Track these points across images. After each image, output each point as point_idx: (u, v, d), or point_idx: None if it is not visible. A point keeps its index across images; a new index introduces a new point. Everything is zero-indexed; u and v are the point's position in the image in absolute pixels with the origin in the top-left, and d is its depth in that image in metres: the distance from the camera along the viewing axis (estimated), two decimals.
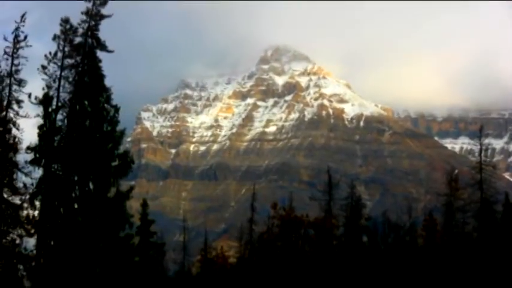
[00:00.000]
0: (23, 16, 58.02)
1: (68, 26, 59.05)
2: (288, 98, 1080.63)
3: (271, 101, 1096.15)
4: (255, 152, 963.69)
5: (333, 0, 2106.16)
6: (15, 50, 58.08)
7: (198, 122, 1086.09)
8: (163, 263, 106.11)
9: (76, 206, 57.51)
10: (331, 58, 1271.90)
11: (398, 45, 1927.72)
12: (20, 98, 57.87)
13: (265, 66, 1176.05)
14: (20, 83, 58.09)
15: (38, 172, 57.29)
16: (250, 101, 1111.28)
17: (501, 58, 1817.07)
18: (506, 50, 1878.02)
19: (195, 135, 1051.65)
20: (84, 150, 57.10)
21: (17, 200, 55.22)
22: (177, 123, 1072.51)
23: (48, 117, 57.84)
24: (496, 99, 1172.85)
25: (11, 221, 54.73)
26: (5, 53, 58.08)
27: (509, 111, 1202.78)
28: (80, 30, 59.35)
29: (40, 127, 57.77)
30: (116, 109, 59.29)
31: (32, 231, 55.01)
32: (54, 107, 58.31)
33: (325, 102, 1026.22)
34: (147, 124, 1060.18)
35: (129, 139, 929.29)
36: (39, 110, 57.95)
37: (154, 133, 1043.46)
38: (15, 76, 58.11)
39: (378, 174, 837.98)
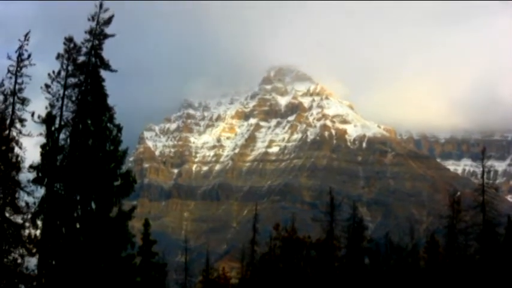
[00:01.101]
0: (26, 35, 58.31)
1: (71, 45, 59.12)
2: (291, 118, 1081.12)
3: (274, 122, 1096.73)
4: (257, 172, 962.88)
5: (336, 21, 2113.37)
6: (18, 69, 58.25)
7: (201, 142, 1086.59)
8: (165, 283, 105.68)
9: (78, 226, 57.35)
10: (334, 79, 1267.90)
11: (401, 67, 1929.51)
12: (23, 116, 58.05)
13: (268, 87, 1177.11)
14: (23, 101, 58.16)
15: (40, 191, 57.28)
16: (252, 121, 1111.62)
17: (504, 80, 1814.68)
18: (509, 72, 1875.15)
19: (198, 155, 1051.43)
20: (86, 169, 57.02)
21: (19, 219, 55.11)
22: (180, 143, 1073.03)
23: (51, 136, 57.81)
24: (498, 121, 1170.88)
25: (13, 240, 54.59)
26: (9, 71, 58.33)
27: None
28: (84, 49, 59.41)
29: (43, 146, 57.73)
30: (119, 128, 59.24)
31: (34, 250, 54.86)
32: (57, 126, 58.28)
33: (328, 122, 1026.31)
34: (150, 144, 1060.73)
35: (131, 159, 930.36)
36: (42, 128, 57.97)
37: (157, 153, 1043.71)
38: (19, 95, 58.25)
39: (380, 196, 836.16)
